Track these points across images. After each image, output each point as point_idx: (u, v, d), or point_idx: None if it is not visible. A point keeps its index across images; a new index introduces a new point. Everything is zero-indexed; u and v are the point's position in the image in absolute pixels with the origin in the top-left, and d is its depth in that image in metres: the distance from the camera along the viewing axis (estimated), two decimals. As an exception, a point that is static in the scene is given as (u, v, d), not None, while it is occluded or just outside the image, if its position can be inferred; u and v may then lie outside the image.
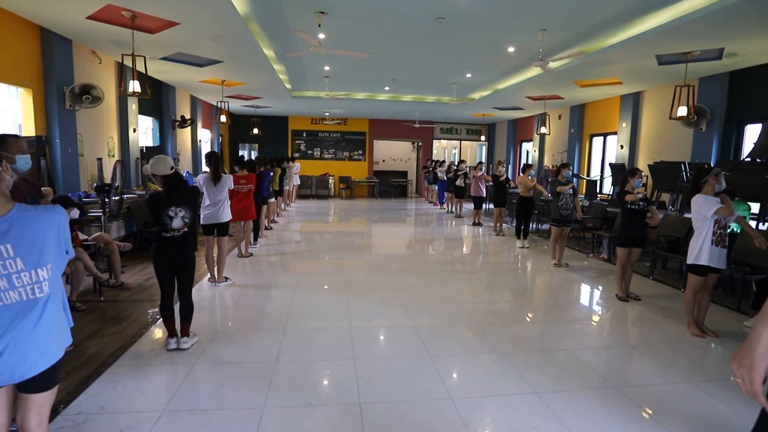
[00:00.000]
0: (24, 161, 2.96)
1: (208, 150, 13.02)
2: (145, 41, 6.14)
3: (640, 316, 4.65)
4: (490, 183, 10.07)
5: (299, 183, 14.18)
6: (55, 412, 2.61)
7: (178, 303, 3.59)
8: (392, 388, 3.06)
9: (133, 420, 2.61)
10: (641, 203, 4.96)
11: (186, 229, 3.45)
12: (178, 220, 3.41)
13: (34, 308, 1.70)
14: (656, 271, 6.24)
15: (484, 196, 10.53)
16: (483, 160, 15.63)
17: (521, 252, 7.75)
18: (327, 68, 8.79)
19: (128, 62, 5.86)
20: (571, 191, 6.54)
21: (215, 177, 5.15)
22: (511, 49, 6.97)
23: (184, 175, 9.91)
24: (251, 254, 6.89)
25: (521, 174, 8.01)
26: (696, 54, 6.25)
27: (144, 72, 6.19)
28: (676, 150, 8.23)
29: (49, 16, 5.39)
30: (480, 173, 10.25)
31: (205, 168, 7.07)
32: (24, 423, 1.78)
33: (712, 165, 6.86)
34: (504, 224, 9.76)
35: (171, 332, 3.55)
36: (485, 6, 5.18)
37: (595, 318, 4.72)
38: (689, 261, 4.12)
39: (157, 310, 4.37)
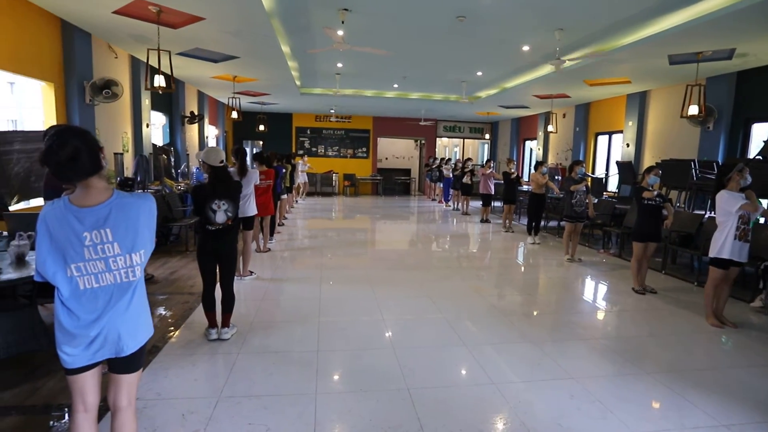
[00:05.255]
0: None
1: (214, 146, 13.04)
2: (165, 36, 6.15)
3: (658, 308, 4.78)
4: (500, 180, 10.18)
5: (307, 180, 14.23)
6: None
7: (220, 295, 3.66)
8: (436, 375, 3.16)
9: (192, 405, 2.69)
10: (657, 199, 5.10)
11: (229, 223, 3.52)
12: (221, 213, 3.47)
13: (127, 291, 1.78)
14: (668, 266, 6.39)
15: (493, 193, 10.64)
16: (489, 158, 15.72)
17: (533, 248, 7.87)
18: (340, 65, 8.84)
19: (152, 57, 5.88)
20: (584, 188, 6.67)
21: (242, 171, 5.20)
22: (525, 48, 7.08)
23: (194, 172, 10.00)
24: (269, 249, 6.95)
25: (534, 171, 8.13)
26: (707, 54, 6.39)
27: (170, 67, 6.19)
28: (683, 148, 8.38)
29: (74, 9, 5.39)
30: (489, 171, 10.36)
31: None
32: (116, 402, 1.86)
33: (719, 162, 7.04)
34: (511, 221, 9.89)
35: (212, 323, 3.62)
36: (507, 5, 5.27)
37: (617, 309, 4.84)
38: (712, 254, 4.24)
39: (186, 302, 4.45)
